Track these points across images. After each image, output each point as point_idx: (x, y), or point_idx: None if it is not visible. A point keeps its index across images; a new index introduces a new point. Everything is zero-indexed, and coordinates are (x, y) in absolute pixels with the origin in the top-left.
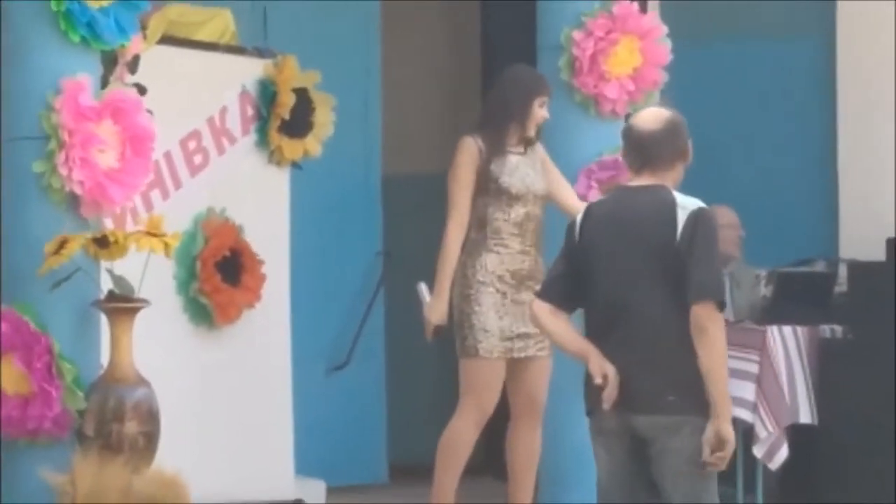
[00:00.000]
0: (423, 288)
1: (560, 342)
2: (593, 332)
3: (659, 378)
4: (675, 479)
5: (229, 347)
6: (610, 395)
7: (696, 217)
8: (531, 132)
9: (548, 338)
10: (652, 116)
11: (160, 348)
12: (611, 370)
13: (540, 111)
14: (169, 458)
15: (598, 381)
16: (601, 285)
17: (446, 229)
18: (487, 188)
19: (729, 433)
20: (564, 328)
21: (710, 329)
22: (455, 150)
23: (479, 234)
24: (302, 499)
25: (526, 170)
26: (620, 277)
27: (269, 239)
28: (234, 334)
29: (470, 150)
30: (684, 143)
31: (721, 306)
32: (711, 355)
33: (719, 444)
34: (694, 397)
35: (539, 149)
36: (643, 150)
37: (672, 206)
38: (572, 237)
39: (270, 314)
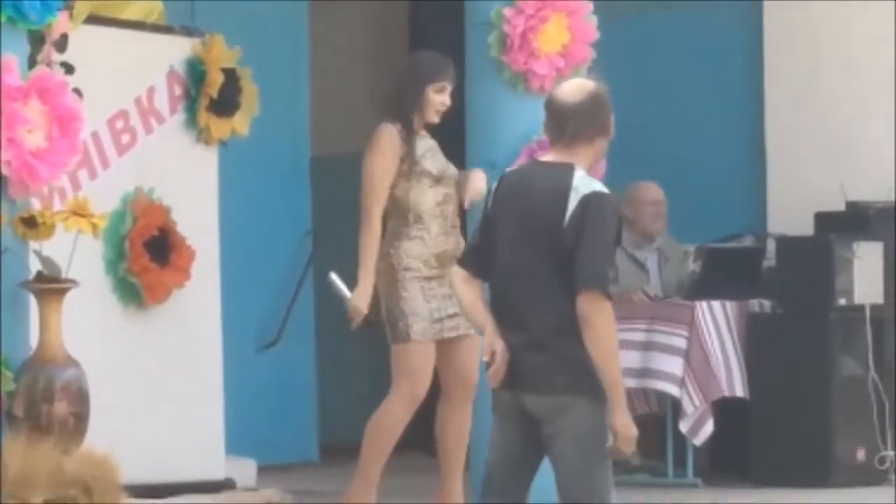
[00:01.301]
0: (335, 279)
1: (467, 311)
2: (493, 306)
3: (548, 358)
4: (562, 460)
5: (159, 327)
6: (495, 372)
7: (586, 202)
8: (431, 119)
9: (458, 305)
10: (575, 88)
11: (90, 329)
12: (499, 347)
13: (437, 97)
14: (100, 437)
15: (485, 358)
16: (500, 260)
17: (369, 217)
18: (410, 172)
19: (621, 425)
20: (473, 298)
21: (596, 320)
22: (374, 137)
23: (400, 220)
24: (232, 478)
25: (437, 153)
26: (515, 254)
27: (199, 218)
28: (164, 314)
29: (392, 136)
30: (606, 117)
31: (607, 295)
32: (599, 346)
33: (613, 435)
34: (583, 379)
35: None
36: (562, 122)
37: (567, 188)
38: (486, 206)
39: (200, 294)
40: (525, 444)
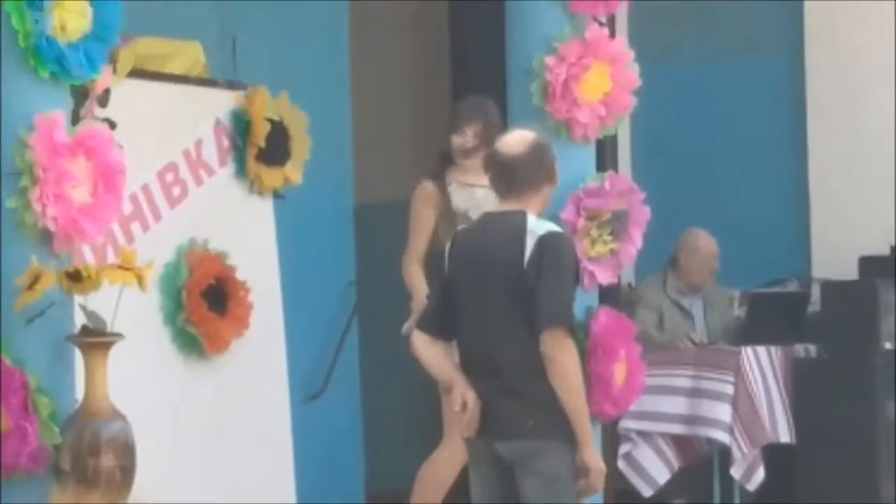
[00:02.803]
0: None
1: (432, 372)
2: (462, 361)
3: (518, 404)
4: (533, 498)
5: (221, 377)
6: (468, 422)
7: (542, 242)
8: (458, 160)
9: (422, 367)
10: (517, 140)
11: (152, 380)
12: (471, 398)
13: (455, 139)
14: (169, 490)
15: (456, 408)
16: (464, 313)
17: (409, 271)
18: (452, 219)
19: (591, 460)
20: (437, 358)
21: (558, 357)
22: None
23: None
24: None
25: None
26: (479, 306)
27: (258, 267)
28: (226, 364)
29: (425, 191)
30: (550, 165)
31: (569, 331)
32: (562, 383)
33: (584, 471)
34: (553, 422)
35: None
36: (509, 174)
37: (522, 232)
38: (442, 266)
39: (263, 343)
40: (505, 492)
